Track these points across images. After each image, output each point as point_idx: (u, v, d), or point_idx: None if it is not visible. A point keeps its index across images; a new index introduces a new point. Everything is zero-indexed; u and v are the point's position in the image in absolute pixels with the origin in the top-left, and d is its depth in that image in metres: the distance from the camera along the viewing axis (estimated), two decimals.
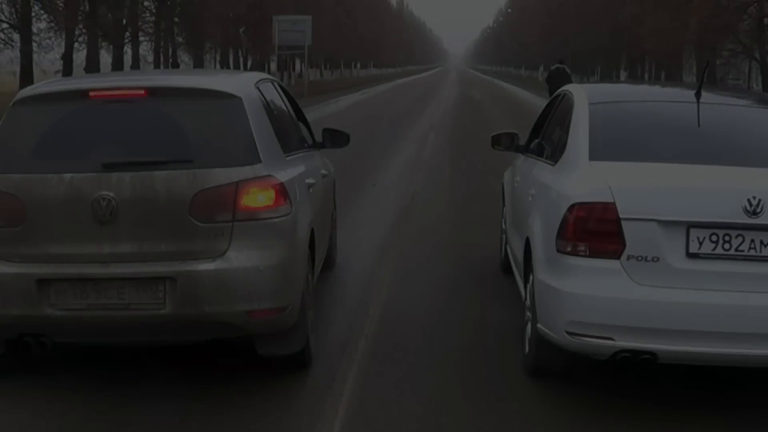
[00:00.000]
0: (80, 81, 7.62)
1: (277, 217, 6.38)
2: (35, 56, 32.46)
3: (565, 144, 7.09)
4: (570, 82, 24.04)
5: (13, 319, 6.14)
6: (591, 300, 5.95)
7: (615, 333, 5.86)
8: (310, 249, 7.15)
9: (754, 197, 5.70)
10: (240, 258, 6.19)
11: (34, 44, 32.08)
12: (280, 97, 8.32)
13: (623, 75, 65.29)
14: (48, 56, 35.32)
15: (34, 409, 6.19)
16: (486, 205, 13.20)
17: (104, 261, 6.13)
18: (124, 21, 38.69)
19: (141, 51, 43.01)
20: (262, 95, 7.36)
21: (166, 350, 7.00)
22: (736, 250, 5.82)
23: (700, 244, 5.83)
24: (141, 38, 42.21)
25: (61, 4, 31.31)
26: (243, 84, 7.16)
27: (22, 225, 6.11)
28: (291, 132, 8.13)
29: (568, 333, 6.00)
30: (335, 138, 9.17)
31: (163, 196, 6.15)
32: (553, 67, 30.77)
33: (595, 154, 6.53)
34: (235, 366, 6.89)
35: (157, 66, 46.18)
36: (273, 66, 75.00)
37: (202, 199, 6.14)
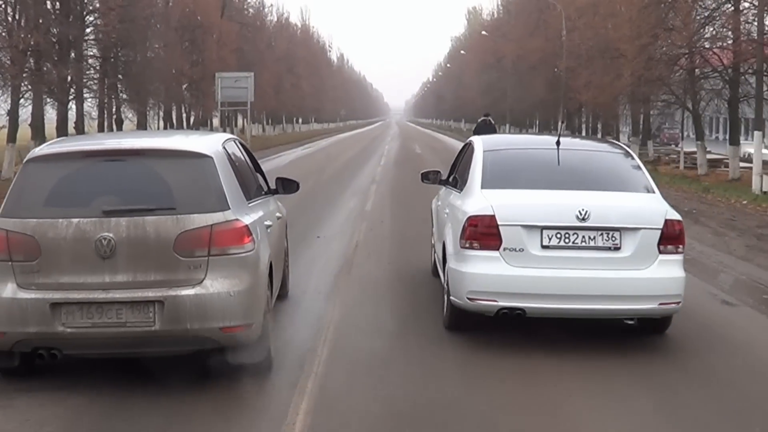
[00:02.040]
0: (81, 143, 9.56)
1: (243, 253, 8.07)
2: None
3: (466, 178, 10.77)
4: (495, 132, 31.63)
5: (30, 335, 7.74)
6: (481, 277, 9.53)
7: (497, 297, 9.46)
8: (269, 278, 8.93)
9: (583, 209, 9.38)
10: (215, 285, 7.83)
11: None
12: (242, 152, 10.13)
13: (561, 127, 66.08)
14: None
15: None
16: (423, 249, 14.65)
17: (105, 288, 7.73)
18: (69, 78, 38.80)
19: (86, 107, 43.04)
20: (228, 153, 9.02)
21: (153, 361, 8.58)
22: (572, 243, 9.46)
23: (549, 239, 9.44)
24: (86, 95, 42.27)
25: (7, 61, 31.40)
26: (213, 144, 8.86)
27: (38, 259, 7.73)
28: (251, 182, 9.80)
29: (468, 299, 9.64)
30: (286, 186, 11.04)
31: (152, 236, 7.78)
32: (479, 120, 34.23)
33: (485, 185, 10.21)
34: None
35: (101, 122, 46.47)
36: (216, 122, 75.06)
37: (184, 238, 7.80)
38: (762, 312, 11.72)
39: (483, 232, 9.58)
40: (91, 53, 43.79)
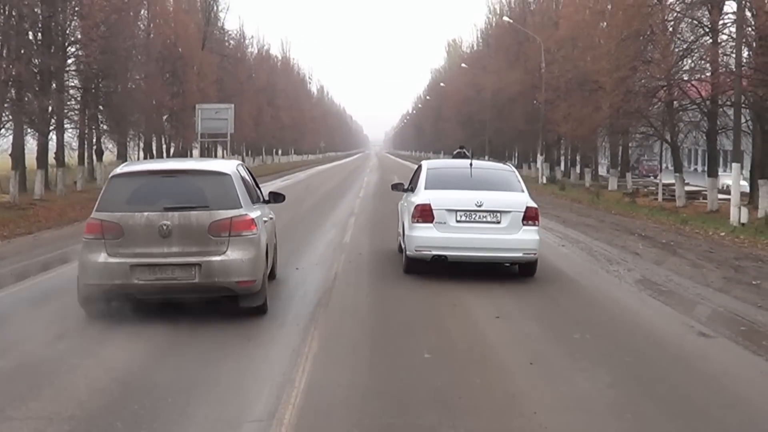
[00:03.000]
0: (145, 165, 15.20)
1: (251, 235, 12.59)
2: None
3: (416, 185, 17.90)
4: None
5: (115, 286, 12.14)
6: (422, 238, 16.33)
7: (431, 249, 16.31)
8: (266, 253, 13.46)
9: (479, 200, 16.35)
10: (233, 254, 12.28)
11: None
12: (247, 173, 14.83)
13: (539, 159, 66.32)
14: None
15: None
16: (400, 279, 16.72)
17: (164, 256, 12.14)
18: (50, 108, 38.77)
19: (66, 137, 42.94)
20: (239, 172, 13.71)
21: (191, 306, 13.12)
22: (473, 219, 16.35)
23: (460, 217, 16.34)
24: (66, 125, 42.17)
25: None
26: (230, 167, 13.65)
27: (121, 238, 12.14)
28: (253, 192, 14.32)
29: (416, 251, 16.49)
30: (276, 197, 16.21)
31: (195, 223, 12.25)
32: (455, 152, 36.55)
33: (427, 187, 17.23)
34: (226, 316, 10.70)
35: (81, 152, 46.60)
36: (196, 153, 74.96)
37: (214, 225, 12.26)
38: (738, 343, 11.78)
39: (423, 213, 16.62)
40: (73, 84, 43.75)
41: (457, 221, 16.40)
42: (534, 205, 16.76)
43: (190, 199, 12.47)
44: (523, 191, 17.27)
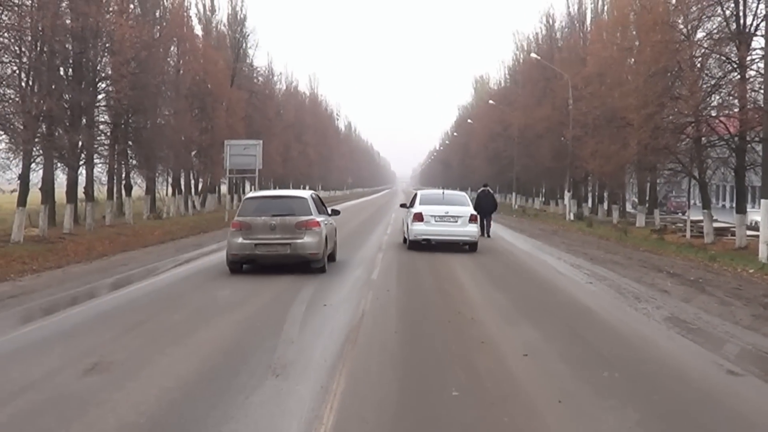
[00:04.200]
0: (262, 192, 29.45)
1: (317, 229, 23.74)
2: None
3: (414, 202, 34.09)
4: (494, 201, 43.65)
5: (246, 255, 23.61)
6: (417, 230, 32.15)
7: (421, 235, 32.19)
8: (326, 240, 24.37)
9: (447, 210, 32.46)
10: (307, 239, 23.50)
11: None
12: (318, 197, 26.48)
13: (567, 196, 66.19)
14: (5, 175, 35.41)
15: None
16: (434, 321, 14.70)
17: (271, 239, 23.49)
18: (80, 143, 39.06)
19: (95, 172, 43.18)
20: (312, 196, 25.53)
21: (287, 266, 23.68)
22: (444, 221, 32.16)
23: (437, 219, 32.16)
24: (96, 160, 42.44)
25: (19, 126, 31.55)
26: (308, 193, 25.78)
27: (250, 230, 23.53)
28: (321, 207, 25.99)
29: (413, 237, 32.28)
30: (334, 212, 28.49)
31: (288, 223, 23.59)
32: (480, 190, 44.67)
33: (420, 203, 33.21)
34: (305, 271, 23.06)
35: (110, 187, 46.86)
36: (224, 188, 75.18)
37: (298, 223, 23.59)
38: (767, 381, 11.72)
39: (418, 218, 31.84)
40: (103, 119, 44.13)
41: (435, 221, 32.13)
42: (475, 213, 33.22)
43: (285, 210, 24.13)
44: (469, 206, 33.98)
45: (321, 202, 26.50)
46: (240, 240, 23.31)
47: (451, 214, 31.93)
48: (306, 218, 23.62)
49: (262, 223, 23.38)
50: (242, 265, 23.81)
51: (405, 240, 33.92)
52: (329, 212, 27.08)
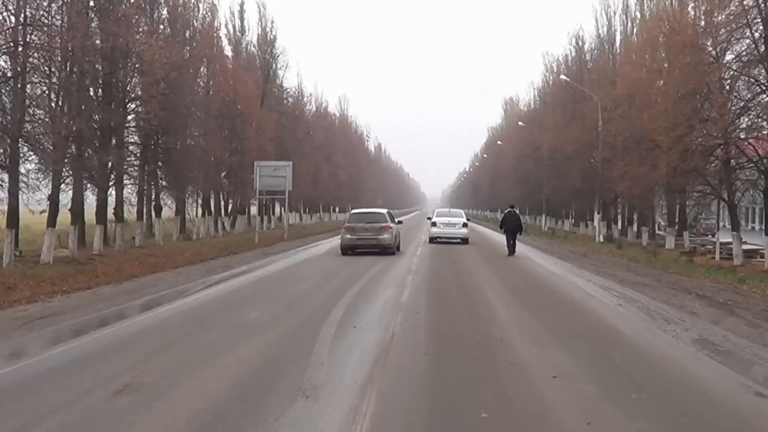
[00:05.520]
0: (361, 209, 54.78)
1: (393, 230, 44.22)
2: (23, 196, 32.52)
3: (432, 218, 59.34)
4: (519, 221, 46.84)
5: (351, 244, 43.18)
6: (433, 232, 56.35)
7: (436, 236, 55.78)
8: (396, 238, 45.22)
9: (450, 220, 57.89)
10: (386, 237, 43.20)
11: (22, 184, 32.05)
12: (390, 213, 48.45)
13: (596, 218, 66.07)
14: (35, 196, 35.49)
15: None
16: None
17: (365, 237, 43.14)
18: (110, 164, 39.27)
19: (125, 193, 43.36)
20: (387, 212, 47.34)
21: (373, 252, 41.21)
22: (447, 225, 56.65)
23: (445, 225, 56.74)
24: (126, 181, 42.62)
25: (49, 146, 31.72)
26: (385, 210, 49.24)
27: (353, 231, 43.41)
28: (393, 219, 46.45)
29: (431, 237, 56.35)
30: (399, 222, 48.29)
31: (375, 227, 43.48)
32: (506, 211, 48.29)
33: (435, 216, 59.40)
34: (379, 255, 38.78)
35: (140, 208, 47.28)
36: (254, 209, 75.22)
37: (380, 228, 43.42)
38: None
39: (433, 224, 57.01)
40: (132, 140, 44.43)
41: (443, 226, 55.83)
42: (466, 221, 58.09)
43: (373, 220, 43.76)
44: (463, 217, 58.98)
45: (392, 215, 47.09)
46: (348, 236, 42.84)
47: (451, 222, 56.91)
48: (384, 224, 43.33)
49: (360, 227, 43.01)
50: (350, 250, 42.63)
51: (429, 239, 56.21)
52: (396, 222, 46.63)
